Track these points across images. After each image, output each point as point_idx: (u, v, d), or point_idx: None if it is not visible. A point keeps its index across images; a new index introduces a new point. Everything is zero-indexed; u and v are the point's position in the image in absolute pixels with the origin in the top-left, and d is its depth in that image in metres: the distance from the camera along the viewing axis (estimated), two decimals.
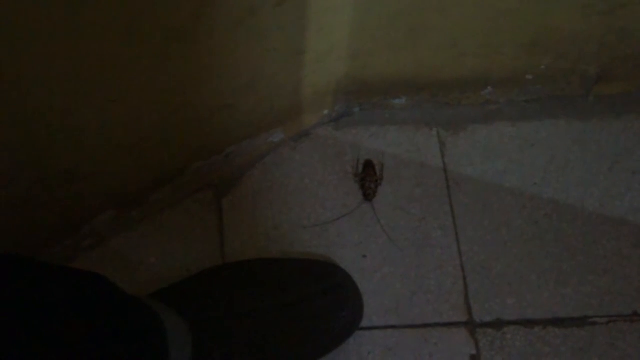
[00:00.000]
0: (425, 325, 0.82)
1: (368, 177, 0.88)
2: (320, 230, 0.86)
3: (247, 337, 0.73)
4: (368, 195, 0.88)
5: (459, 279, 0.85)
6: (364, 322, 0.80)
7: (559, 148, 0.93)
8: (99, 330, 0.57)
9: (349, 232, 0.87)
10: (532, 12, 0.79)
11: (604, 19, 0.81)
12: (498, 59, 0.86)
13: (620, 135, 0.94)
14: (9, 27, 0.50)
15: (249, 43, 0.70)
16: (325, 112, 0.92)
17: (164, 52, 0.64)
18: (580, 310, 0.84)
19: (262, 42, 0.72)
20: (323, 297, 0.77)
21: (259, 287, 0.76)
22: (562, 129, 0.94)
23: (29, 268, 0.56)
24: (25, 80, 0.57)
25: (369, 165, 0.89)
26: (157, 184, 0.83)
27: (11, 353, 0.48)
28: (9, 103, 0.58)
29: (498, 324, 0.82)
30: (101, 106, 0.65)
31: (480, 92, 0.93)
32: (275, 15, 0.68)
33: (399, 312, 0.83)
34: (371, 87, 0.90)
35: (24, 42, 0.52)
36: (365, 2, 0.73)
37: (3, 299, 0.50)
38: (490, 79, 0.91)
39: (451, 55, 0.85)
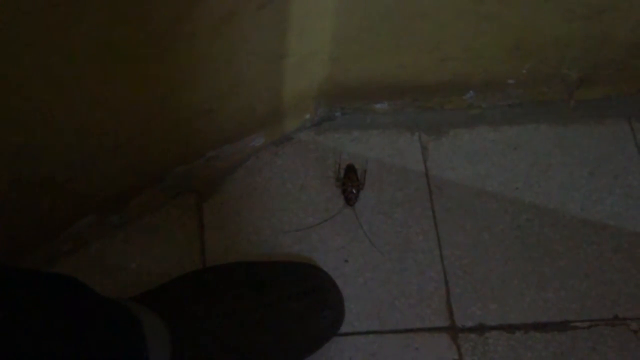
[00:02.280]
0: (407, 331, 0.82)
1: (349, 182, 0.88)
2: (301, 235, 0.86)
3: (226, 338, 0.73)
4: (350, 200, 0.87)
5: (441, 283, 0.84)
6: (346, 328, 0.80)
7: (540, 152, 0.93)
8: (73, 333, 0.56)
9: (330, 237, 0.86)
10: (514, 16, 0.79)
11: (585, 23, 0.81)
12: (480, 63, 0.86)
13: (602, 140, 0.94)
14: None
15: (229, 47, 0.70)
16: (307, 116, 0.91)
17: (143, 56, 0.63)
18: (561, 314, 0.84)
19: (243, 46, 0.71)
20: (303, 298, 0.76)
21: (239, 288, 0.76)
22: (544, 133, 0.94)
23: None
24: (1, 85, 0.56)
25: (350, 169, 0.89)
26: (138, 189, 0.83)
27: None
28: None
29: (480, 329, 0.82)
30: (80, 110, 0.64)
31: (463, 97, 0.93)
32: (256, 19, 0.68)
33: (380, 317, 0.82)
34: (353, 91, 0.89)
35: None
36: (347, 6, 0.73)
37: None
38: (472, 84, 0.91)
39: (433, 59, 0.85)
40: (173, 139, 0.79)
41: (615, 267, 0.86)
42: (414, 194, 0.89)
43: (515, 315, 0.83)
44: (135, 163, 0.78)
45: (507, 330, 0.82)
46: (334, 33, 0.77)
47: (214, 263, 0.82)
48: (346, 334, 0.81)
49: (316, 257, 0.85)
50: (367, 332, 0.82)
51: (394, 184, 0.90)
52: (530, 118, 0.95)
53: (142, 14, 0.58)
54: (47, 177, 0.70)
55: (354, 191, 0.88)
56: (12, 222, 0.73)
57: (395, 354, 0.81)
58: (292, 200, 0.88)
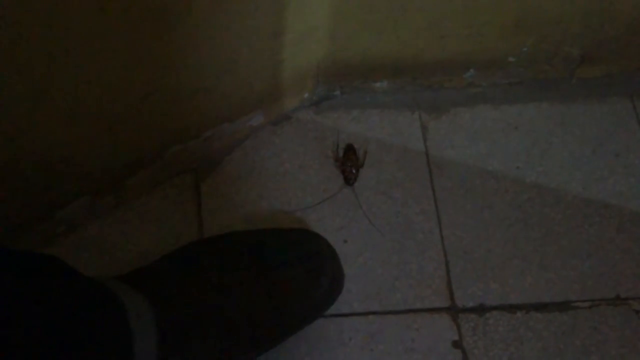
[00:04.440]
0: (407, 311, 0.81)
1: (349, 162, 0.87)
2: (300, 215, 0.85)
3: (220, 309, 0.71)
4: (349, 180, 0.86)
5: (441, 263, 0.84)
6: (345, 308, 0.80)
7: (542, 131, 0.92)
8: (50, 311, 0.54)
9: (329, 217, 0.85)
10: None
11: (586, 0, 0.80)
12: (480, 40, 0.85)
13: (604, 118, 0.93)
14: None
15: (227, 24, 0.69)
16: (306, 95, 0.90)
17: (139, 33, 0.62)
18: (563, 294, 0.83)
19: (240, 23, 0.70)
20: (300, 264, 0.74)
21: (232, 256, 0.74)
22: (545, 111, 0.93)
23: None
24: None
25: (349, 149, 0.88)
26: (134, 169, 0.82)
27: None
28: None
29: (480, 309, 0.82)
30: (74, 87, 0.63)
31: (463, 75, 0.92)
32: None
33: (380, 297, 0.82)
34: (352, 69, 0.88)
35: None
36: None
37: None
38: (472, 62, 0.90)
39: (433, 37, 0.84)
40: (169, 117, 0.78)
41: (617, 247, 0.86)
42: (414, 173, 0.89)
43: (516, 295, 0.83)
44: (131, 143, 0.77)
45: (508, 311, 0.82)
46: (332, 10, 0.76)
47: None
48: (345, 315, 0.80)
49: None
50: (367, 313, 0.81)
51: (393, 164, 0.89)
52: (531, 96, 0.94)
53: None
54: (41, 157, 0.69)
55: (354, 171, 0.87)
56: (5, 203, 0.72)
57: (395, 335, 0.80)
58: (291, 180, 0.87)
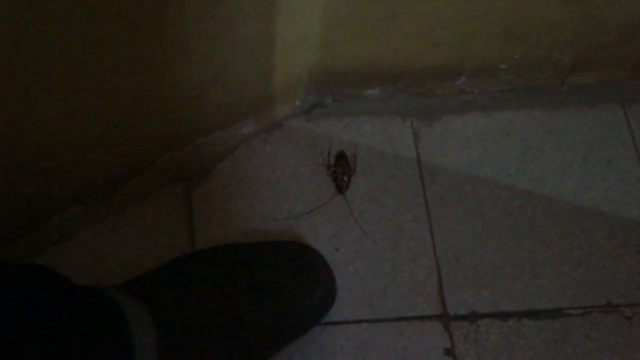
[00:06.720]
0: (398, 319, 0.81)
1: (341, 169, 0.87)
2: (292, 224, 0.85)
3: (216, 320, 0.72)
4: (341, 188, 0.86)
5: (433, 271, 0.84)
6: (337, 316, 0.80)
7: (533, 138, 0.92)
8: (47, 323, 0.55)
9: (321, 225, 0.85)
10: (506, 0, 0.78)
11: (578, 7, 0.80)
12: (471, 48, 0.85)
13: (595, 125, 0.93)
14: None
15: (217, 32, 0.69)
16: (297, 102, 0.90)
17: (129, 40, 0.62)
18: (554, 301, 0.83)
19: (230, 31, 0.70)
20: (293, 276, 0.75)
21: (227, 270, 0.75)
22: (537, 119, 0.93)
23: None
24: None
25: (341, 156, 0.88)
26: (125, 177, 0.81)
27: None
28: None
29: (472, 317, 0.82)
30: (64, 96, 0.63)
31: (454, 82, 0.92)
32: (243, 2, 0.67)
33: (372, 305, 0.82)
34: (344, 77, 0.88)
35: None
36: None
37: None
38: (464, 69, 0.90)
39: (424, 44, 0.84)
40: (161, 126, 0.78)
41: (609, 254, 0.86)
42: (406, 181, 0.89)
43: (507, 302, 0.83)
44: (122, 151, 0.77)
45: (499, 318, 0.82)
46: (323, 17, 0.76)
47: None
48: (337, 323, 0.80)
49: None
50: (359, 321, 0.81)
51: (385, 171, 0.89)
52: (523, 103, 0.94)
53: None
54: (31, 166, 0.69)
55: (345, 178, 0.87)
56: None
57: (386, 343, 0.80)
58: (283, 188, 0.87)
